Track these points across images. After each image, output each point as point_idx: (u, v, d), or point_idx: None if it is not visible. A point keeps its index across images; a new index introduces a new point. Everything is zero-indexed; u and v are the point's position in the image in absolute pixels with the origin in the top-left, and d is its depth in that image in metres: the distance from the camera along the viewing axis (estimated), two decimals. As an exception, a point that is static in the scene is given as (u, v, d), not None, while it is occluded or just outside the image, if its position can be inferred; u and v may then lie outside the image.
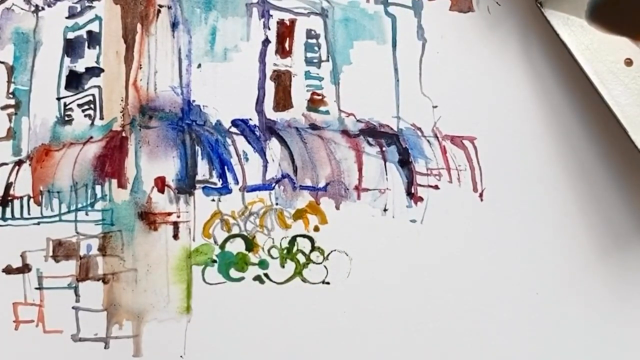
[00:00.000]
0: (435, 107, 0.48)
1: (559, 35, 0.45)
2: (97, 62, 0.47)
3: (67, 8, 0.47)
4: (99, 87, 0.47)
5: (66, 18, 0.47)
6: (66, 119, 0.46)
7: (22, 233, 0.46)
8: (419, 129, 0.47)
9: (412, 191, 0.47)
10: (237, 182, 0.47)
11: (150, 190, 0.46)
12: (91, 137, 0.46)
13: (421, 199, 0.47)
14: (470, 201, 0.47)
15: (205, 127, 0.47)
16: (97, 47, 0.47)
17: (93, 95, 0.47)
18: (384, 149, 0.47)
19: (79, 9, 0.47)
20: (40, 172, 0.46)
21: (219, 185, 0.47)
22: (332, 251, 0.47)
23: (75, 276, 0.46)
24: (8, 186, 0.46)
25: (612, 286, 0.47)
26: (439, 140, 0.47)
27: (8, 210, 0.46)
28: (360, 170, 0.47)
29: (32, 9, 0.47)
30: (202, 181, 0.46)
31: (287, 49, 0.48)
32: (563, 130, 0.48)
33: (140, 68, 0.47)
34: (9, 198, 0.46)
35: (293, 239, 0.47)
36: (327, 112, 0.47)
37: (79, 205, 0.46)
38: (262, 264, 0.46)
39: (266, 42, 0.48)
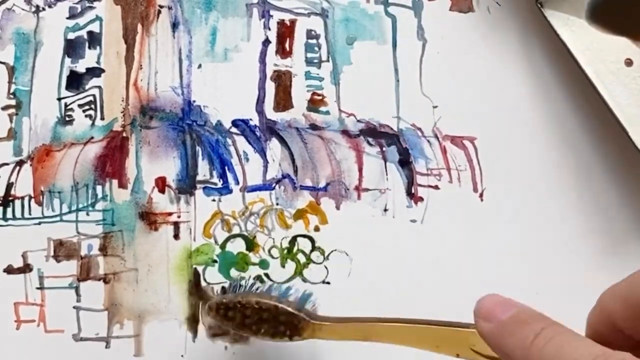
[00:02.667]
0: (436, 107, 0.48)
1: (559, 35, 0.45)
2: (98, 62, 0.47)
3: (67, 8, 0.47)
4: (99, 87, 0.47)
5: (67, 18, 0.47)
6: (67, 119, 0.47)
7: (23, 233, 0.46)
8: (419, 129, 0.47)
9: (412, 191, 0.47)
10: (237, 182, 0.47)
11: (150, 190, 0.46)
12: (92, 138, 0.47)
13: (421, 199, 0.47)
14: (470, 201, 0.47)
15: (205, 128, 0.47)
16: (98, 47, 0.47)
17: (94, 95, 0.47)
18: (384, 149, 0.47)
19: (79, 10, 0.47)
20: (41, 172, 0.46)
21: (220, 185, 0.47)
22: (332, 251, 0.47)
23: (76, 276, 0.46)
24: (9, 186, 0.46)
25: (612, 286, 0.47)
26: (439, 141, 0.47)
27: (9, 210, 0.46)
28: (360, 170, 0.47)
29: (33, 9, 0.47)
30: (202, 181, 0.47)
31: (288, 49, 0.48)
32: (563, 131, 0.48)
33: (141, 68, 0.47)
34: (10, 198, 0.46)
35: (293, 239, 0.47)
36: (327, 113, 0.47)
37: (80, 206, 0.46)
38: (263, 263, 0.46)
39: (266, 42, 0.48)
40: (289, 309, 0.40)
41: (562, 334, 0.27)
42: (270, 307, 0.40)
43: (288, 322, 0.41)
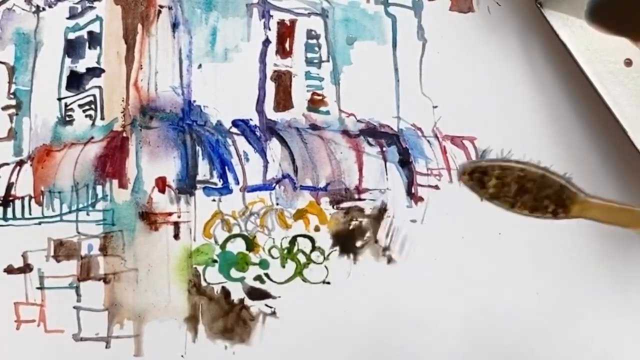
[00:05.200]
0: (436, 107, 0.48)
1: (559, 35, 0.45)
2: (98, 62, 0.47)
3: (67, 8, 0.47)
4: (99, 87, 0.47)
5: (67, 18, 0.47)
6: (67, 119, 0.47)
7: (23, 233, 0.46)
8: (419, 129, 0.48)
9: (412, 191, 0.47)
10: (237, 182, 0.47)
11: (151, 190, 0.46)
12: (92, 138, 0.47)
13: (421, 199, 0.47)
14: (470, 201, 0.47)
15: (205, 128, 0.47)
16: (98, 47, 0.47)
17: (94, 95, 0.47)
18: (384, 149, 0.47)
19: (79, 10, 0.47)
20: (42, 172, 0.46)
21: (220, 185, 0.47)
22: (332, 251, 0.47)
23: (76, 276, 0.46)
24: (9, 186, 0.46)
25: (613, 286, 0.47)
26: (439, 140, 0.47)
27: (9, 210, 0.46)
28: (360, 170, 0.47)
29: (33, 9, 0.47)
30: (202, 181, 0.47)
31: (288, 49, 0.48)
32: (563, 131, 0.48)
33: (141, 68, 0.47)
34: (11, 198, 0.46)
35: (293, 239, 0.47)
36: (327, 113, 0.47)
37: (80, 206, 0.46)
38: (263, 263, 0.46)
39: (266, 42, 0.48)
40: (561, 180, 0.35)
41: None
42: (536, 177, 0.35)
43: (554, 196, 0.36)
